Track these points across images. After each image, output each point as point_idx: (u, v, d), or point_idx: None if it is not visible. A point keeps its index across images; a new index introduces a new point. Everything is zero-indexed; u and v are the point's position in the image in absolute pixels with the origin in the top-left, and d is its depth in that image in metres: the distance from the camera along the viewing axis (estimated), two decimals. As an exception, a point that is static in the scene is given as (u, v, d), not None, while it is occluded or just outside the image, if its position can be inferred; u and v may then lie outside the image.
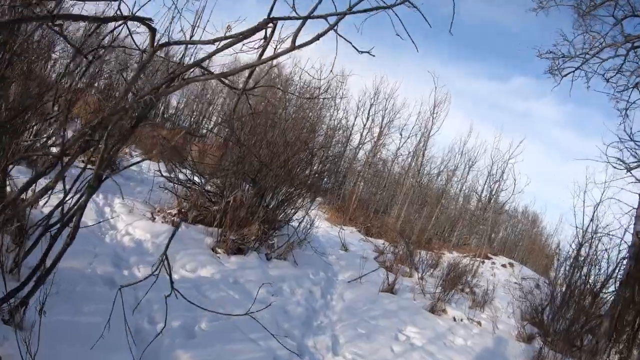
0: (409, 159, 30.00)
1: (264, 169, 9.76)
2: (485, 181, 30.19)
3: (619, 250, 10.87)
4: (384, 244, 18.39)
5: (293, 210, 11.44)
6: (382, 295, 10.26)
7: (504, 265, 24.41)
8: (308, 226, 11.67)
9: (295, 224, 11.50)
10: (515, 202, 32.81)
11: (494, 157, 29.71)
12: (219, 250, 8.82)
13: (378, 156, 30.97)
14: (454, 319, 10.44)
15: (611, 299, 10.62)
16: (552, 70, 10.49)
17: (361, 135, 30.62)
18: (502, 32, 68.86)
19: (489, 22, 69.72)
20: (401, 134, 30.23)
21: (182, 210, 9.90)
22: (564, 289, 11.96)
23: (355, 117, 31.12)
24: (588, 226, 12.66)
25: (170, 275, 4.48)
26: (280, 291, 8.50)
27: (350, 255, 13.52)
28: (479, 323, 10.67)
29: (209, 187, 10.44)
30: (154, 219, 9.27)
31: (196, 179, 10.31)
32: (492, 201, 29.64)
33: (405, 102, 37.11)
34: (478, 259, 22.48)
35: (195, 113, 32.79)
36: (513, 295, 14.71)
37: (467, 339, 9.40)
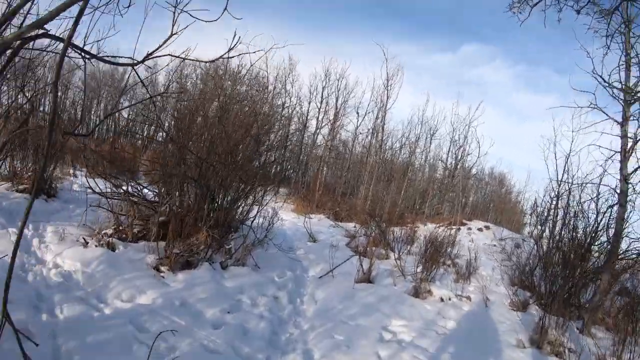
0: (369, 137, 28.77)
1: (204, 166, 8.35)
2: (449, 148, 29.25)
3: (606, 199, 9.73)
4: (355, 226, 17.25)
5: (247, 207, 10.03)
6: (358, 287, 8.95)
7: (480, 229, 23.57)
8: (268, 222, 10.31)
9: (256, 221, 10.32)
10: (482, 165, 31.63)
11: (455, 124, 28.78)
12: (163, 269, 7.47)
13: (338, 138, 29.71)
14: (442, 300, 9.23)
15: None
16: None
17: (317, 119, 29.25)
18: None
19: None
20: (357, 113, 28.97)
21: (120, 227, 8.49)
22: (547, 245, 11.02)
23: (310, 102, 29.71)
24: (562, 176, 11.62)
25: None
26: (239, 305, 7.15)
27: (319, 246, 12.22)
28: (469, 298, 9.52)
29: (150, 195, 9.05)
30: (87, 243, 7.87)
31: (132, 189, 8.86)
32: (458, 167, 28.62)
33: (358, 80, 35.84)
34: (453, 227, 21.59)
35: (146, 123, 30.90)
36: (497, 260, 14.02)
37: (460, 320, 8.24)
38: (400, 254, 11.72)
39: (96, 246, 7.70)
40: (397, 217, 21.02)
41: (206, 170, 8.52)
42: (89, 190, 8.75)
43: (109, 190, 8.95)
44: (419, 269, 10.33)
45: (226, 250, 8.71)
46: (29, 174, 10.46)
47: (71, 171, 13.04)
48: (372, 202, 23.83)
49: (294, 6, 63.85)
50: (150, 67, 5.54)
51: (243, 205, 10.03)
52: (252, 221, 10.10)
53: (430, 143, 29.94)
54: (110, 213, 8.72)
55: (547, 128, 65.26)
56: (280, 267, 9.35)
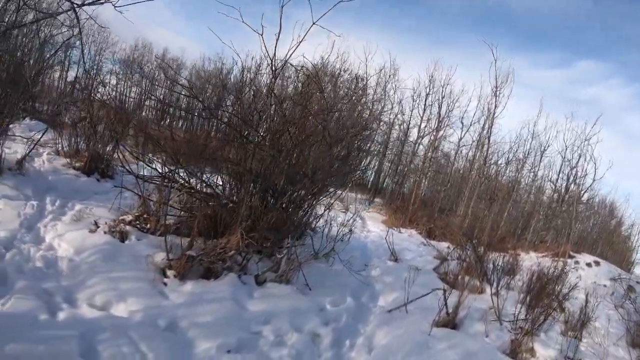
0: (473, 150, 25.41)
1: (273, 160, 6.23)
2: (560, 168, 24.87)
3: None
4: (448, 247, 14.56)
5: (312, 210, 7.74)
6: (437, 333, 6.30)
7: (588, 264, 20.01)
8: (338, 231, 7.99)
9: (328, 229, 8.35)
10: (596, 190, 26.72)
11: (568, 141, 24.66)
12: (169, 273, 5.37)
13: (439, 150, 26.66)
14: (548, 364, 6.48)
15: None
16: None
17: (419, 128, 26.34)
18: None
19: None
20: (462, 123, 25.47)
21: (145, 215, 6.45)
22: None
23: (412, 110, 26.91)
24: None
25: None
26: (253, 341, 4.79)
27: (401, 267, 9.68)
28: (583, 364, 6.72)
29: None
30: (96, 228, 6.12)
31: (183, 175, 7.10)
32: (569, 190, 24.63)
33: (464, 88, 32.17)
34: (559, 258, 18.39)
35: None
36: (613, 306, 11.13)
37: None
38: (499, 287, 9.01)
39: (105, 233, 6.04)
40: (497, 241, 18.05)
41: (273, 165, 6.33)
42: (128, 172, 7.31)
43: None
44: (519, 311, 7.60)
45: (276, 260, 6.43)
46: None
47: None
48: (471, 221, 20.90)
49: (403, 14, 60.90)
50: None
51: (308, 207, 7.71)
52: (321, 228, 8.24)
53: (540, 161, 25.68)
54: (139, 197, 6.84)
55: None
56: (341, 290, 6.91)
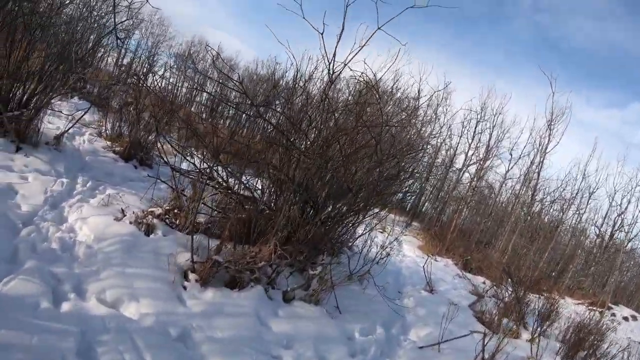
0: (520, 184, 24.38)
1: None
2: (607, 212, 23.79)
3: None
4: (484, 282, 13.83)
5: (351, 227, 7.21)
6: (471, 378, 5.71)
7: (625, 318, 18.98)
8: (378, 253, 7.46)
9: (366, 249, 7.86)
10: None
11: (617, 185, 23.44)
12: (191, 277, 4.86)
13: (484, 180, 25.74)
14: None
15: None
16: None
17: (466, 155, 25.55)
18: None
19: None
20: (511, 155, 24.63)
21: (176, 210, 6.02)
22: None
23: (460, 137, 26.15)
24: None
25: None
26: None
27: (435, 299, 9.05)
28: None
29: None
30: (123, 216, 5.72)
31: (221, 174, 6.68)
32: (614, 237, 23.45)
33: (516, 118, 31.09)
34: (596, 308, 17.49)
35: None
36: None
37: None
38: (538, 333, 8.36)
39: (130, 223, 5.61)
40: (534, 282, 17.20)
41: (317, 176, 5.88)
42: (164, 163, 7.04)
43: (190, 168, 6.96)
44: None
45: (309, 277, 5.91)
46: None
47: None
48: (510, 257, 20.04)
49: (459, 34, 59.70)
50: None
51: (348, 225, 7.18)
52: (358, 248, 7.79)
53: (587, 203, 24.45)
54: (173, 190, 6.42)
55: None
56: (372, 317, 6.35)
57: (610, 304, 20.17)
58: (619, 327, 17.52)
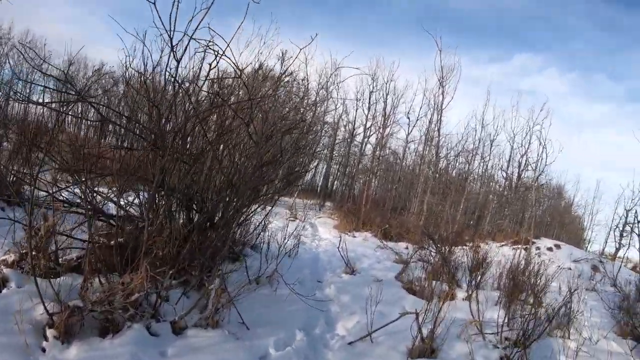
0: (422, 145, 24.34)
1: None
2: (510, 156, 24.39)
3: None
4: (407, 248, 13.34)
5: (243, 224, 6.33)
6: (414, 367, 4.95)
7: (549, 249, 19.17)
8: (280, 247, 6.59)
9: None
10: (548, 174, 25.82)
11: (516, 129, 23.91)
12: (49, 334, 3.71)
13: (387, 148, 25.47)
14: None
15: None
16: None
17: (365, 127, 25.10)
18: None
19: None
20: (409, 118, 24.65)
21: (34, 252, 4.84)
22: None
23: (356, 110, 25.70)
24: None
25: None
26: None
27: (359, 280, 8.30)
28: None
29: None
30: None
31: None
32: (522, 177, 23.97)
33: (408, 83, 31.06)
34: (520, 245, 17.57)
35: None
36: (585, 290, 10.26)
37: None
38: (472, 289, 7.81)
39: None
40: (455, 235, 17.00)
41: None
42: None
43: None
44: (501, 319, 6.31)
45: (205, 293, 4.93)
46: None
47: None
48: (427, 218, 19.77)
49: (343, 17, 59.99)
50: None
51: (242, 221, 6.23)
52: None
53: (490, 151, 24.96)
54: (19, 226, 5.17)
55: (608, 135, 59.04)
56: (288, 322, 5.42)
57: (533, 239, 20.41)
58: (546, 257, 17.71)
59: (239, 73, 4.36)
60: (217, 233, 5.68)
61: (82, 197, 5.21)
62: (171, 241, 5.06)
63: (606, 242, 24.87)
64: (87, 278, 4.24)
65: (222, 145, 5.09)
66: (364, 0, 58.65)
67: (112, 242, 4.94)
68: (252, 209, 6.69)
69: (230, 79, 4.31)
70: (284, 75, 5.06)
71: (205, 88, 4.97)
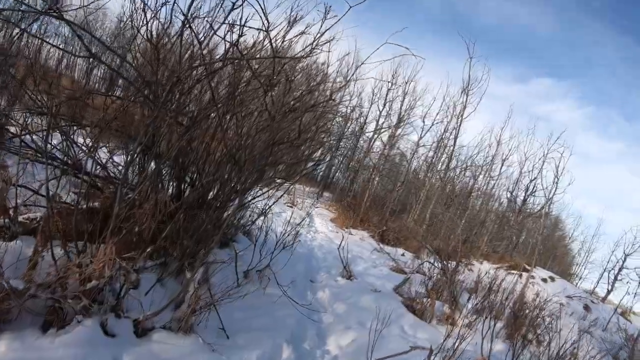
0: (433, 152, 23.31)
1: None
2: (518, 179, 23.43)
3: None
4: (404, 254, 12.56)
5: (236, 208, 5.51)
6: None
7: (544, 280, 18.51)
8: (278, 241, 5.75)
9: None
10: (554, 204, 24.96)
11: (528, 153, 22.94)
12: None
13: (396, 147, 24.45)
14: None
15: None
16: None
17: (377, 123, 24.08)
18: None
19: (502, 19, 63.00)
20: (423, 122, 23.27)
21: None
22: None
23: (371, 104, 24.71)
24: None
25: None
26: None
27: (355, 287, 7.44)
28: None
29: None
30: None
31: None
32: (526, 202, 23.11)
33: (428, 87, 29.94)
34: (516, 272, 17.15)
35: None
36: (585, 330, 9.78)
37: None
38: (470, 315, 7.12)
39: None
40: (451, 250, 16.25)
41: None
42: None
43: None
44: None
45: (184, 284, 4.05)
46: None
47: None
48: (429, 226, 18.99)
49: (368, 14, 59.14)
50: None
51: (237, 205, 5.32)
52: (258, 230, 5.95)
53: (500, 170, 23.95)
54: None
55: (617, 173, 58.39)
56: (276, 331, 4.54)
57: (527, 266, 19.75)
58: (540, 289, 17.20)
59: (266, 24, 3.42)
60: (208, 214, 4.78)
61: (57, 146, 4.33)
62: (154, 216, 4.15)
63: (598, 282, 24.47)
64: (38, 251, 3.33)
65: (229, 112, 4.15)
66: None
67: (84, 207, 4.03)
68: (255, 192, 5.81)
69: (255, 30, 3.35)
70: (316, 43, 4.10)
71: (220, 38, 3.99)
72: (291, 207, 15.30)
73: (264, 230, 6.54)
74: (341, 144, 25.58)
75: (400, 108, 23.36)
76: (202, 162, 4.65)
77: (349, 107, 24.33)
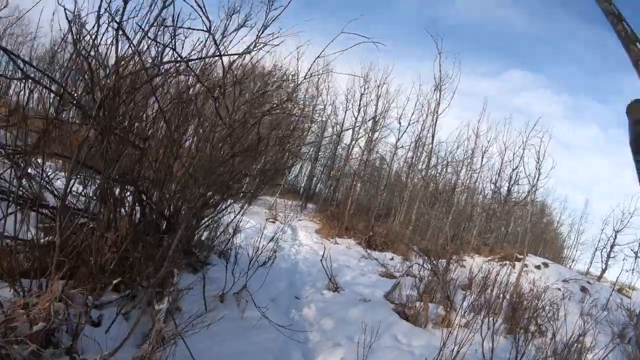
0: (412, 152, 23.01)
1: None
2: (500, 169, 23.65)
3: None
4: (392, 258, 12.23)
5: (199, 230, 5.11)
6: None
7: (537, 267, 18.36)
8: (252, 260, 5.36)
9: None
10: (539, 190, 24.84)
11: (507, 142, 22.88)
12: None
13: (375, 152, 24.10)
14: None
15: None
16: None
17: (353, 129, 23.77)
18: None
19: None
20: (400, 122, 22.83)
21: None
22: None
23: (345, 111, 24.41)
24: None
25: None
26: None
27: (342, 299, 7.06)
28: None
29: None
30: None
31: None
32: (511, 191, 23.26)
33: (400, 88, 29.74)
34: (507, 262, 17.00)
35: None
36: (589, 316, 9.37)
37: None
38: (469, 317, 6.77)
39: None
40: (441, 248, 15.96)
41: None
42: None
43: None
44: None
45: (152, 314, 3.65)
46: None
47: None
48: (415, 228, 18.69)
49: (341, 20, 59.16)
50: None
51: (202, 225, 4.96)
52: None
53: (481, 163, 23.98)
54: None
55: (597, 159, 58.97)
56: (254, 359, 4.11)
57: (519, 255, 19.59)
58: (534, 276, 17.09)
59: (207, 24, 3.06)
60: (173, 237, 4.38)
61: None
62: (116, 244, 3.76)
63: (591, 262, 24.51)
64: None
65: (180, 123, 3.76)
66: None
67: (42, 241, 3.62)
68: (221, 208, 5.43)
69: (193, 30, 2.97)
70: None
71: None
72: (273, 222, 14.90)
73: (234, 249, 6.13)
74: (320, 153, 25.30)
75: (375, 112, 23.09)
76: (160, 181, 4.28)
77: (323, 116, 24.16)
